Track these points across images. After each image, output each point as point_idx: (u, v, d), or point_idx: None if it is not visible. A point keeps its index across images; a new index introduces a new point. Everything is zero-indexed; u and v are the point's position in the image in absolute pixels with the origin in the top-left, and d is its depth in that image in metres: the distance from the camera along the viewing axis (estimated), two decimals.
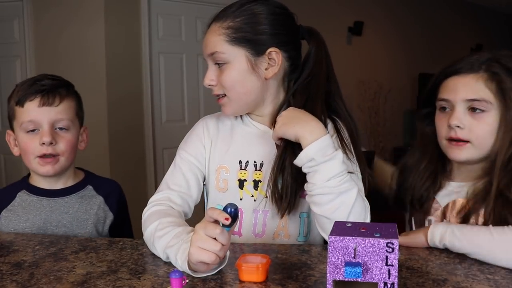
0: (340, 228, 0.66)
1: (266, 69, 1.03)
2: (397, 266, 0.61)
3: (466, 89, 1.02)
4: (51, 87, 1.16)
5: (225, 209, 0.79)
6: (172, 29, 3.59)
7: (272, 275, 0.81)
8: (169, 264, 0.88)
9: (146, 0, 3.40)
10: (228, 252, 0.83)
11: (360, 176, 1.02)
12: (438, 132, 1.09)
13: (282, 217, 1.02)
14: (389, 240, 0.61)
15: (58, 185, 1.22)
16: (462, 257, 0.89)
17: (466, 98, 1.02)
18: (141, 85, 3.44)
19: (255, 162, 1.07)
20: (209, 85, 1.05)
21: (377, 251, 0.61)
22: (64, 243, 1.03)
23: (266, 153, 1.06)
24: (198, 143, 1.12)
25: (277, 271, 0.84)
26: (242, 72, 1.02)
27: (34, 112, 1.13)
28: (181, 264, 0.83)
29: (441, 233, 0.93)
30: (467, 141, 1.03)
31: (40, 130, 1.14)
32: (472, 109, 1.02)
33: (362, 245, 0.62)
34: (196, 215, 1.06)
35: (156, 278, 0.82)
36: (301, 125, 0.92)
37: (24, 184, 1.22)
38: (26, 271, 0.86)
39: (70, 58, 3.22)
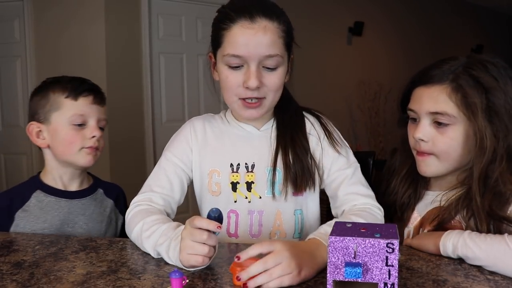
0: (340, 229, 0.66)
1: (286, 73, 1.04)
2: (397, 266, 0.61)
3: (430, 102, 0.98)
4: (98, 88, 1.22)
5: (209, 217, 0.80)
6: (172, 29, 3.59)
7: None
8: (169, 264, 0.88)
9: (147, 0, 3.41)
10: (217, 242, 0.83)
11: (358, 165, 1.07)
12: (409, 141, 1.07)
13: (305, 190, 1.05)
14: (389, 241, 0.61)
15: (73, 186, 1.23)
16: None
17: (429, 111, 0.98)
18: (141, 85, 3.44)
19: (246, 164, 1.07)
20: (256, 87, 0.97)
21: (377, 252, 0.61)
22: (64, 243, 1.03)
23: (257, 154, 1.07)
24: (185, 145, 1.12)
25: None
26: (283, 77, 1.02)
27: (86, 107, 1.18)
28: (174, 261, 0.86)
29: (453, 243, 0.87)
30: (431, 154, 1.00)
31: (85, 125, 1.18)
32: (437, 122, 0.98)
33: (362, 246, 0.62)
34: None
35: (156, 278, 0.82)
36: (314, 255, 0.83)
37: (38, 183, 1.21)
38: (26, 270, 0.86)
39: (70, 58, 3.22)
